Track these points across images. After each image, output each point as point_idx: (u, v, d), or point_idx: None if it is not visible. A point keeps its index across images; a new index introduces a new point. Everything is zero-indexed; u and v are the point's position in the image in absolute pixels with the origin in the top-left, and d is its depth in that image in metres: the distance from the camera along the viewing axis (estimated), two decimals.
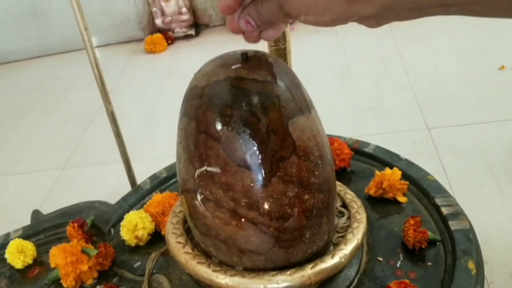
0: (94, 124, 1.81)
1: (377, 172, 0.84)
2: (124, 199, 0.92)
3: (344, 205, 0.78)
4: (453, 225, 0.73)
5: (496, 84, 1.54)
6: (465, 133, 1.32)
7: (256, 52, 0.62)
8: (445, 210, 0.76)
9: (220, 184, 0.59)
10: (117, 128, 0.96)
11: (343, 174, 0.91)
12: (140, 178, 1.00)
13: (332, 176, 0.66)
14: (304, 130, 0.60)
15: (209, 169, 0.59)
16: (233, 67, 0.59)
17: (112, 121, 0.95)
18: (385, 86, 1.66)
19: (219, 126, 0.57)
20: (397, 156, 0.91)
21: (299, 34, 2.09)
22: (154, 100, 1.89)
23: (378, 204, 0.83)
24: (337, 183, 0.82)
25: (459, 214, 0.75)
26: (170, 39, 2.47)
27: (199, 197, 0.62)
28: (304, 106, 0.61)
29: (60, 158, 1.62)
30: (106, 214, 0.89)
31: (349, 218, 0.75)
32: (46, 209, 0.97)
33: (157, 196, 0.85)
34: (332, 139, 0.93)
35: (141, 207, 0.87)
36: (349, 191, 0.80)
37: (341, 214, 0.77)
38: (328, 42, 2.10)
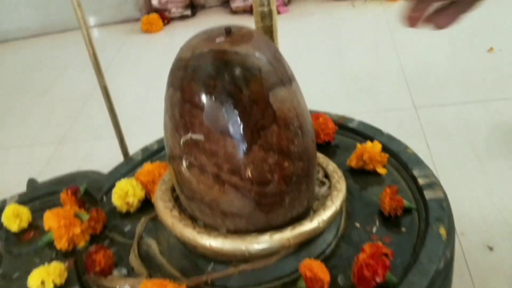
0: (91, 101, 1.83)
1: (359, 145, 0.87)
2: (116, 169, 0.96)
3: (326, 175, 0.82)
4: (428, 194, 0.77)
5: (484, 66, 1.57)
6: (451, 112, 1.35)
7: (240, 27, 0.65)
8: (421, 181, 0.80)
9: (204, 151, 0.62)
10: (110, 102, 0.99)
11: (327, 148, 0.94)
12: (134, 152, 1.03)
13: (312, 147, 0.70)
14: (284, 101, 0.63)
15: (194, 136, 0.62)
16: (217, 40, 0.62)
17: (105, 95, 0.98)
18: (376, 69, 1.69)
19: (202, 96, 0.60)
20: (380, 131, 0.94)
21: (294, 16, 2.11)
22: (150, 78, 1.92)
23: (359, 176, 0.86)
24: (320, 155, 0.86)
25: (434, 184, 0.79)
26: (166, 19, 2.49)
27: (184, 163, 0.65)
28: (285, 79, 0.64)
29: (57, 133, 1.65)
30: (99, 183, 0.93)
31: (329, 187, 0.79)
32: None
33: (147, 166, 0.88)
34: (317, 114, 0.96)
35: (133, 176, 0.90)
36: (331, 163, 0.84)
37: (323, 183, 0.81)
38: (323, 25, 2.12)
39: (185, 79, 0.61)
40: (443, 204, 0.75)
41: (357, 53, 1.84)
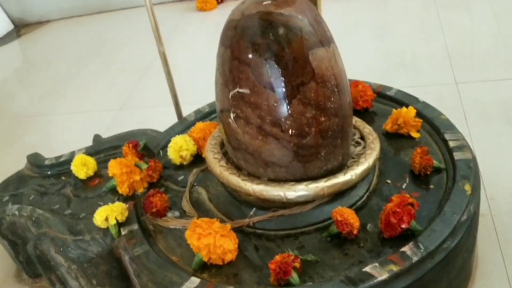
0: (148, 72, 1.92)
1: (394, 110, 0.90)
2: (172, 127, 1.03)
3: (362, 137, 0.86)
4: (457, 155, 0.79)
5: None
6: (491, 88, 1.34)
7: None
8: (452, 144, 0.82)
9: (249, 104, 0.68)
10: (167, 67, 1.05)
11: (365, 114, 0.98)
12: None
13: (347, 105, 0.74)
14: (323, 60, 0.67)
15: (241, 90, 0.68)
16: (264, 3, 0.67)
17: (164, 61, 1.05)
18: (420, 45, 1.68)
19: (249, 53, 0.65)
20: (416, 98, 0.97)
21: None
22: (203, 54, 1.98)
23: (394, 139, 0.89)
24: (357, 119, 0.89)
25: (464, 147, 0.81)
26: None
27: (232, 116, 0.71)
28: (325, 40, 0.68)
29: (118, 101, 1.75)
30: (156, 139, 1.00)
31: (364, 147, 0.82)
32: None
33: (199, 124, 0.95)
34: (357, 82, 0.99)
35: (186, 134, 0.97)
36: (367, 126, 0.87)
37: (358, 144, 0.85)
38: (372, 2, 2.12)
39: (235, 38, 0.67)
40: (471, 164, 0.77)
41: (402, 28, 1.83)
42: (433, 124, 0.88)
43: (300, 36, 0.65)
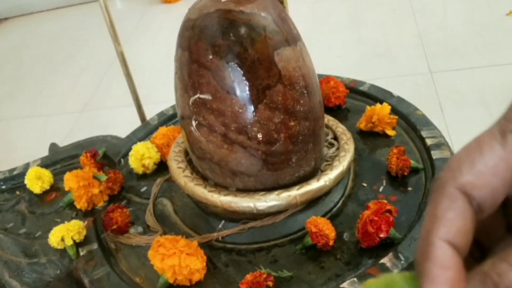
0: (112, 70, 1.85)
1: (368, 107, 0.86)
2: (133, 133, 0.97)
3: (335, 137, 0.82)
4: (435, 154, 0.76)
5: (502, 29, 1.53)
6: (466, 76, 1.33)
7: None
8: (429, 141, 0.79)
9: (212, 110, 0.63)
10: (127, 68, 1.00)
11: (338, 111, 0.94)
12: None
13: (318, 107, 0.70)
14: (289, 61, 0.63)
15: (202, 96, 0.63)
16: (223, 0, 0.62)
17: (123, 62, 0.99)
18: (393, 34, 1.66)
19: (209, 56, 0.60)
20: (390, 93, 0.93)
21: None
22: (169, 48, 1.92)
23: (368, 138, 0.86)
24: (330, 118, 0.86)
25: (442, 144, 0.78)
26: None
27: (193, 123, 0.66)
28: (291, 38, 0.64)
29: (80, 102, 1.68)
30: (117, 146, 0.95)
31: (338, 149, 0.79)
32: None
33: (162, 129, 0.90)
34: (328, 78, 0.95)
35: (150, 140, 0.92)
36: (340, 125, 0.84)
37: (331, 145, 0.81)
38: None
39: (192, 39, 0.62)
40: None
41: (375, 17, 1.81)
42: (409, 121, 0.85)
43: (264, 35, 0.60)
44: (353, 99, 0.97)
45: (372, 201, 0.66)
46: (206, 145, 0.66)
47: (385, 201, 0.67)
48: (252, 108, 0.62)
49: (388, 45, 1.58)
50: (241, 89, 0.61)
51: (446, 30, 1.60)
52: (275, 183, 0.69)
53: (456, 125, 1.11)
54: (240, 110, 0.62)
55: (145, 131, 0.97)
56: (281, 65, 0.62)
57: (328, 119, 0.85)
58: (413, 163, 0.76)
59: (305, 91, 0.65)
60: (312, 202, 0.71)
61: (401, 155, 0.75)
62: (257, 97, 0.61)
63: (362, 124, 0.86)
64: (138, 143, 0.88)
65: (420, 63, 1.42)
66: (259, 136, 0.63)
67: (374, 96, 0.94)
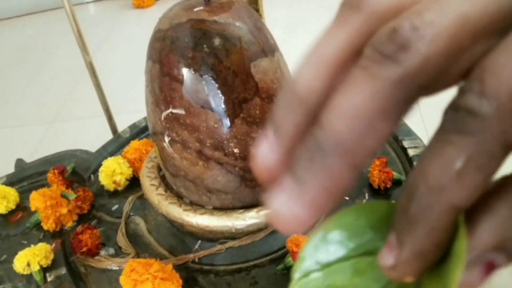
0: (83, 79, 1.80)
1: None
2: (104, 147, 0.93)
3: None
4: (412, 151, 0.75)
5: None
6: None
7: None
8: (411, 152, 0.77)
9: (186, 126, 0.60)
10: (96, 79, 0.96)
11: None
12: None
13: None
14: (267, 72, 0.61)
15: (174, 111, 0.60)
16: (195, 9, 0.59)
17: (92, 72, 0.95)
18: None
19: (181, 69, 0.58)
20: None
21: None
22: (142, 56, 1.88)
23: None
24: None
25: None
26: None
27: (166, 139, 0.63)
28: (268, 49, 0.61)
29: (50, 112, 1.63)
30: (87, 162, 0.91)
31: None
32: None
33: (134, 143, 0.86)
34: None
35: (121, 154, 0.88)
36: None
37: None
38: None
39: (163, 51, 0.59)
40: None
41: None
42: None
43: (239, 46, 0.58)
44: None
45: None
46: (180, 162, 0.63)
47: None
48: (228, 122, 0.59)
49: None
50: (217, 103, 0.58)
51: None
52: (254, 200, 0.66)
53: (435, 124, 1.10)
54: (216, 125, 0.59)
55: (117, 145, 0.94)
56: (258, 77, 0.59)
57: None
58: (395, 174, 0.74)
59: None
60: None
61: (383, 167, 0.73)
62: (233, 111, 0.59)
63: None
64: (109, 158, 0.84)
65: None
66: (236, 151, 0.61)
67: None
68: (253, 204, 0.66)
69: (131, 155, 0.84)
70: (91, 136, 1.42)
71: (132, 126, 0.97)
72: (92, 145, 1.21)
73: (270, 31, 0.63)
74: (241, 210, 0.65)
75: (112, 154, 0.92)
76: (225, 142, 0.60)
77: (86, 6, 2.55)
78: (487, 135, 0.14)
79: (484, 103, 0.14)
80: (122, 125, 1.10)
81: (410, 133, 0.82)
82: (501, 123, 0.14)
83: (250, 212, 0.64)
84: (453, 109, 0.15)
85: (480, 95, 0.14)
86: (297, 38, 1.74)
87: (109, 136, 1.14)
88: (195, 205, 0.67)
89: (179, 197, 0.69)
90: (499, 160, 0.14)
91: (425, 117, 1.20)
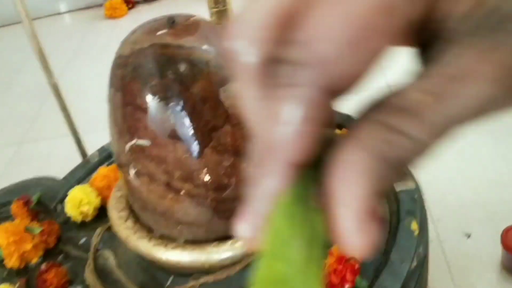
0: (51, 97, 1.75)
1: None
2: (71, 173, 0.90)
3: None
4: (398, 186, 0.73)
5: None
6: None
7: (186, 16, 0.60)
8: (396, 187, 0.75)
9: (152, 158, 0.57)
10: (62, 101, 0.92)
11: None
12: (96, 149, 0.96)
13: None
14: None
15: (139, 142, 0.57)
16: (158, 32, 0.56)
17: (56, 94, 0.91)
18: None
19: (145, 97, 0.55)
20: (349, 117, 0.90)
21: None
22: None
23: None
24: None
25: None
26: (131, 3, 2.40)
27: (132, 172, 0.60)
28: None
29: (18, 133, 1.58)
30: (53, 190, 0.87)
31: None
32: (3, 186, 0.94)
33: (103, 170, 0.83)
34: None
35: (89, 182, 0.85)
36: None
37: None
38: None
39: (125, 79, 0.56)
40: (415, 195, 0.71)
41: None
42: None
43: (207, 71, 0.55)
44: None
45: (335, 246, 0.62)
46: (147, 195, 0.60)
47: None
48: (197, 152, 0.56)
49: None
50: (184, 133, 0.55)
51: None
52: (228, 232, 0.63)
53: None
54: (184, 156, 0.56)
55: (85, 171, 0.90)
56: (229, 103, 0.57)
57: None
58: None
59: None
60: None
61: None
62: (202, 140, 0.56)
63: None
64: (76, 187, 0.80)
65: (376, 76, 1.39)
66: (208, 182, 0.58)
67: None
68: (228, 235, 0.63)
69: (99, 182, 0.81)
70: (61, 157, 1.37)
71: (101, 150, 0.94)
72: (62, 168, 1.17)
73: None
74: (215, 243, 0.62)
75: (80, 181, 0.88)
76: (195, 173, 0.57)
77: (62, 16, 2.51)
78: (307, 83, 0.15)
79: (298, 52, 0.15)
80: (95, 143, 1.06)
81: None
82: (316, 68, 0.15)
83: (225, 245, 0.62)
84: (278, 64, 0.15)
85: (297, 46, 0.15)
86: None
87: (78, 156, 1.10)
88: (166, 239, 0.64)
89: (150, 230, 0.66)
90: (326, 107, 0.15)
91: None
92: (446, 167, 1.00)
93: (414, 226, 0.65)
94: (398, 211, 0.69)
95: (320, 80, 0.15)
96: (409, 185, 0.72)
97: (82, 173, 0.90)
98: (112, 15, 2.32)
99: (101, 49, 2.03)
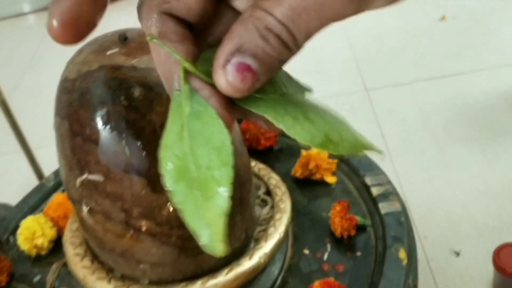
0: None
1: (303, 152, 0.78)
2: (24, 200, 0.83)
3: (268, 191, 0.73)
4: (384, 207, 0.69)
5: (437, 36, 1.50)
6: (405, 93, 1.28)
7: (141, 31, 0.54)
8: (375, 191, 0.71)
9: (106, 194, 0.51)
10: (11, 118, 0.85)
11: (269, 154, 0.85)
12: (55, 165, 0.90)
13: (244, 169, 0.60)
14: None
15: (91, 177, 0.51)
16: (108, 52, 0.50)
17: (5, 111, 0.84)
18: (323, 47, 1.59)
19: (95, 127, 0.49)
20: None
21: None
22: None
23: (306, 187, 0.77)
24: (262, 166, 0.76)
25: (389, 194, 0.70)
26: None
27: (85, 209, 0.54)
28: None
29: None
30: (5, 220, 0.80)
31: (272, 207, 0.69)
32: None
33: (58, 197, 0.77)
34: None
35: (43, 211, 0.78)
36: (274, 175, 0.74)
37: (264, 203, 0.71)
38: None
39: (72, 106, 0.50)
40: (401, 218, 0.67)
41: None
42: (350, 164, 0.77)
43: (166, 95, 0.49)
44: (286, 137, 0.88)
45: (318, 281, 0.57)
46: (103, 234, 0.54)
47: (331, 279, 0.58)
48: (158, 187, 0.51)
49: (318, 59, 1.51)
50: (142, 166, 0.50)
51: (378, 40, 1.56)
52: (198, 270, 0.58)
53: (401, 155, 1.05)
54: (143, 192, 0.51)
55: (39, 196, 0.83)
56: None
57: (259, 168, 0.76)
58: (359, 219, 0.67)
59: None
60: (246, 284, 0.61)
61: (345, 213, 0.66)
62: None
63: (297, 172, 0.77)
64: (28, 218, 0.74)
65: (354, 79, 1.36)
66: (171, 220, 0.53)
67: None
68: (197, 274, 0.58)
69: (54, 211, 0.75)
70: (15, 179, 1.29)
71: (57, 172, 0.87)
72: (17, 191, 1.09)
73: None
74: (183, 283, 0.57)
75: (34, 208, 0.81)
76: (156, 209, 0.52)
77: (26, 17, 2.42)
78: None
79: None
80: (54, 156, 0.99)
81: (372, 167, 0.75)
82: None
83: (194, 285, 0.56)
84: None
85: None
86: None
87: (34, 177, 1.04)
88: (128, 280, 0.58)
89: (110, 270, 0.60)
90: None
91: (385, 132, 1.15)
92: (431, 180, 0.97)
93: (402, 254, 0.61)
94: (384, 236, 0.65)
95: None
96: (395, 206, 0.68)
97: (37, 199, 0.83)
98: None
99: (62, 53, 1.95)
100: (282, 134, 0.86)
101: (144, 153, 0.49)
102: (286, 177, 0.77)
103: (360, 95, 1.30)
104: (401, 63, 1.39)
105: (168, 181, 0.23)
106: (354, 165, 0.76)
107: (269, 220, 0.67)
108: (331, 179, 0.76)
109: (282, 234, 0.63)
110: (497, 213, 0.87)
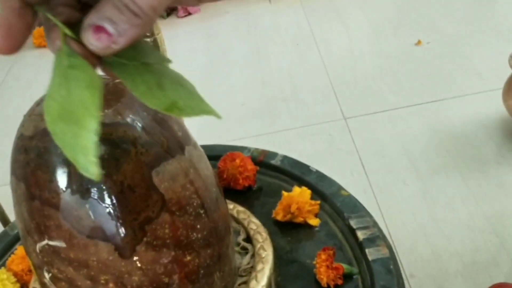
0: None
1: (284, 193, 0.74)
2: None
3: (248, 237, 0.68)
4: (371, 253, 0.65)
5: (414, 61, 1.49)
6: (383, 121, 1.25)
7: (104, 80, 0.49)
8: (361, 235, 0.67)
9: (70, 261, 0.46)
10: None
11: (248, 194, 0.81)
12: None
13: (222, 221, 0.56)
14: (175, 178, 0.48)
15: (52, 243, 0.46)
16: None
17: None
18: (299, 72, 1.56)
19: (55, 190, 0.44)
20: (308, 168, 0.81)
21: (206, 16, 1.96)
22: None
23: (288, 230, 0.73)
24: (241, 209, 0.72)
25: (376, 238, 0.67)
26: None
27: (47, 275, 0.49)
28: (175, 146, 0.49)
29: None
30: None
31: (253, 255, 0.65)
32: None
33: (21, 249, 0.71)
34: (233, 154, 0.82)
35: (5, 265, 0.72)
36: (254, 220, 0.70)
37: (245, 250, 0.67)
38: (239, 24, 1.98)
39: (29, 167, 0.45)
40: (390, 265, 0.63)
41: (278, 54, 1.71)
42: (334, 205, 0.74)
43: (134, 151, 0.45)
44: (265, 175, 0.84)
45: None
46: None
47: None
48: (128, 252, 0.46)
49: (294, 86, 1.48)
50: (108, 230, 0.45)
51: (354, 65, 1.54)
52: None
53: (382, 186, 1.02)
54: (111, 258, 0.46)
55: (1, 247, 0.77)
56: (164, 186, 0.47)
57: (238, 211, 0.72)
58: (346, 267, 0.63)
59: (201, 211, 0.51)
60: None
61: (331, 262, 0.62)
62: (133, 237, 0.46)
63: (279, 215, 0.73)
64: None
65: (331, 107, 1.33)
66: (143, 285, 0.48)
67: (289, 171, 0.82)
68: None
69: (17, 265, 0.69)
70: None
71: None
72: None
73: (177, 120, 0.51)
74: None
75: None
76: (126, 276, 0.47)
77: None
78: None
79: None
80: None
81: (356, 208, 0.72)
82: None
83: None
84: None
85: None
86: (217, 71, 1.63)
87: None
88: None
89: None
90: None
91: (364, 157, 1.12)
92: (415, 213, 0.94)
93: None
94: (373, 286, 0.61)
95: None
96: (382, 252, 0.65)
97: (0, 248, 0.77)
98: (41, 44, 2.17)
99: (30, 82, 1.89)
100: (258, 171, 0.83)
101: (110, 217, 0.44)
102: (267, 220, 0.73)
103: (339, 123, 1.27)
104: (378, 90, 1.37)
105: (50, 125, 0.28)
106: (338, 206, 0.73)
107: (250, 270, 0.63)
108: (314, 222, 0.72)
109: (264, 287, 0.59)
110: (484, 248, 0.84)
